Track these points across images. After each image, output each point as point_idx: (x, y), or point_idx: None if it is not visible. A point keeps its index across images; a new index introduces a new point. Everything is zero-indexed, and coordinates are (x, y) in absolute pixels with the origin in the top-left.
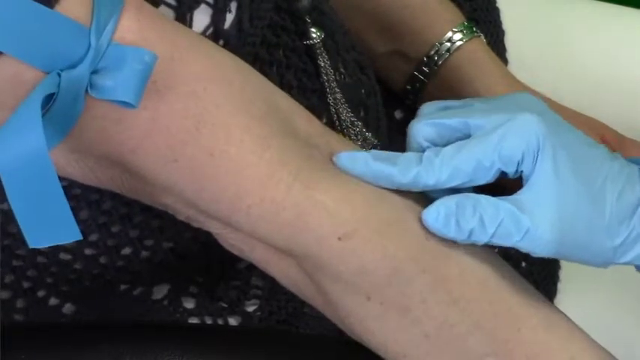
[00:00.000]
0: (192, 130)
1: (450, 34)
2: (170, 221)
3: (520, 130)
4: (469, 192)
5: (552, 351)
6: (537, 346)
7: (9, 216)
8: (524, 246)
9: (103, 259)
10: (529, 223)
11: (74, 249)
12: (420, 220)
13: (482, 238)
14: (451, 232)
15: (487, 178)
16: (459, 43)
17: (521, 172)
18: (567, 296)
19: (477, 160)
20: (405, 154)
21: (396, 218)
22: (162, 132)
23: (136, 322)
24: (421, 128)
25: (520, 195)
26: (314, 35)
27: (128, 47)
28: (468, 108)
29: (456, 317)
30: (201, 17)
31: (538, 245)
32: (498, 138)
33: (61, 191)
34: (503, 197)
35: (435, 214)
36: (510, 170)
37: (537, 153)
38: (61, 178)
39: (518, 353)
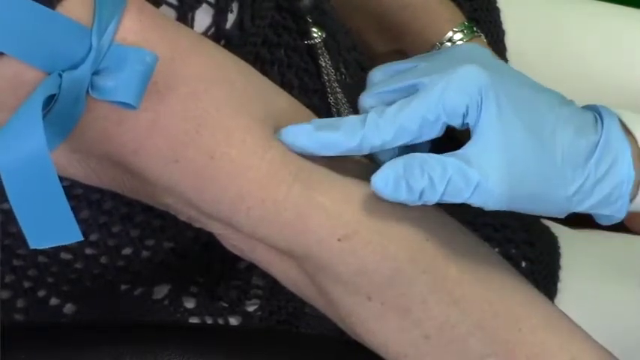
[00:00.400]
0: (192, 131)
1: (450, 33)
2: (171, 221)
3: (462, 82)
4: (422, 148)
5: (553, 351)
6: (538, 347)
7: (9, 216)
8: (476, 201)
9: (103, 259)
10: (478, 176)
11: (75, 249)
12: (420, 221)
13: (432, 198)
14: (402, 196)
15: (434, 132)
16: (459, 43)
17: (468, 124)
18: (567, 296)
19: (421, 116)
20: (348, 117)
21: (396, 219)
22: (163, 133)
23: (137, 322)
24: (368, 100)
25: (467, 149)
26: (315, 35)
27: (129, 48)
28: (413, 70)
29: (457, 317)
30: (203, 17)
31: (489, 199)
32: (440, 91)
33: (62, 192)
34: (451, 153)
35: (384, 179)
36: (456, 123)
37: (480, 104)
38: (62, 178)
39: (518, 353)
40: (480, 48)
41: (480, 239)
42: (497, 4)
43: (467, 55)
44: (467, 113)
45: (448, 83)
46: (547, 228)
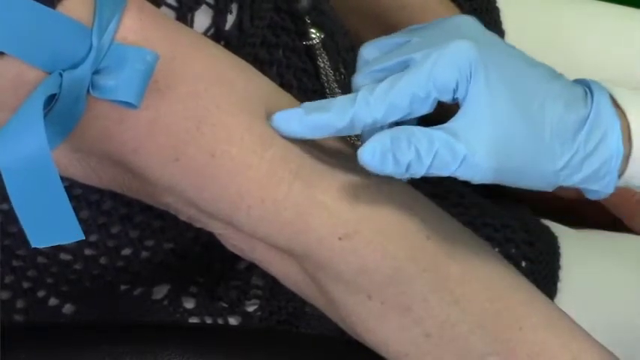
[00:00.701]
0: (193, 130)
1: None
2: (171, 221)
3: (452, 57)
4: (412, 124)
5: (553, 350)
6: (538, 346)
7: (9, 216)
8: (463, 174)
9: (103, 260)
10: (465, 150)
11: (74, 249)
12: (421, 220)
13: (419, 171)
14: (389, 168)
15: (425, 108)
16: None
17: (458, 98)
18: (567, 296)
19: (411, 93)
20: (339, 97)
21: (397, 218)
22: (164, 132)
23: (136, 322)
24: (361, 80)
25: (454, 122)
26: (313, 36)
27: (130, 47)
28: (405, 46)
29: (458, 316)
30: (202, 18)
31: (476, 172)
32: (430, 68)
33: (63, 191)
34: (439, 126)
35: (371, 151)
36: (447, 98)
37: (470, 78)
38: (62, 179)
39: (519, 352)
40: (472, 21)
41: (480, 239)
42: (497, 4)
43: (458, 28)
44: (457, 88)
45: (438, 59)
46: (547, 228)
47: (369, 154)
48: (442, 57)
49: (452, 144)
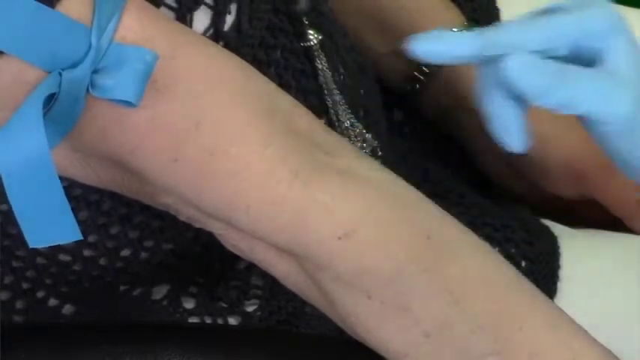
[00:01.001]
0: (192, 129)
1: None
2: (170, 222)
3: (599, 10)
4: None
5: (554, 350)
6: (539, 346)
7: (9, 217)
8: (598, 112)
9: (102, 261)
10: (608, 89)
11: (73, 250)
12: (421, 220)
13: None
14: (536, 81)
15: (562, 49)
16: None
17: (594, 56)
18: (567, 296)
19: (555, 27)
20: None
21: (397, 218)
22: (162, 131)
23: (136, 322)
24: None
25: (601, 68)
26: (311, 37)
27: (129, 47)
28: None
29: (457, 317)
30: (201, 18)
31: (611, 115)
32: (578, 13)
33: (62, 191)
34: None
35: (517, 61)
36: (587, 46)
37: (613, 33)
38: (61, 179)
39: (519, 352)
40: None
41: (480, 239)
42: (497, 4)
43: None
44: (600, 37)
45: (588, 8)
46: (547, 228)
47: (514, 63)
48: (591, 8)
49: (597, 80)
